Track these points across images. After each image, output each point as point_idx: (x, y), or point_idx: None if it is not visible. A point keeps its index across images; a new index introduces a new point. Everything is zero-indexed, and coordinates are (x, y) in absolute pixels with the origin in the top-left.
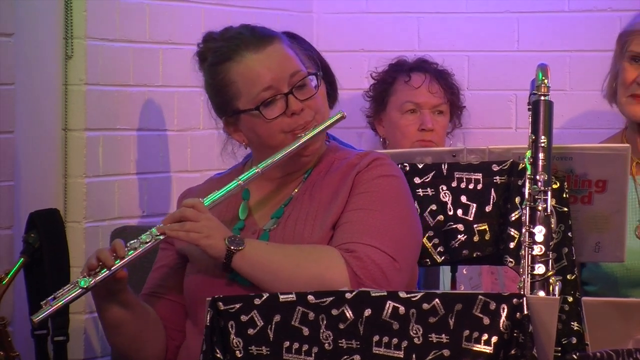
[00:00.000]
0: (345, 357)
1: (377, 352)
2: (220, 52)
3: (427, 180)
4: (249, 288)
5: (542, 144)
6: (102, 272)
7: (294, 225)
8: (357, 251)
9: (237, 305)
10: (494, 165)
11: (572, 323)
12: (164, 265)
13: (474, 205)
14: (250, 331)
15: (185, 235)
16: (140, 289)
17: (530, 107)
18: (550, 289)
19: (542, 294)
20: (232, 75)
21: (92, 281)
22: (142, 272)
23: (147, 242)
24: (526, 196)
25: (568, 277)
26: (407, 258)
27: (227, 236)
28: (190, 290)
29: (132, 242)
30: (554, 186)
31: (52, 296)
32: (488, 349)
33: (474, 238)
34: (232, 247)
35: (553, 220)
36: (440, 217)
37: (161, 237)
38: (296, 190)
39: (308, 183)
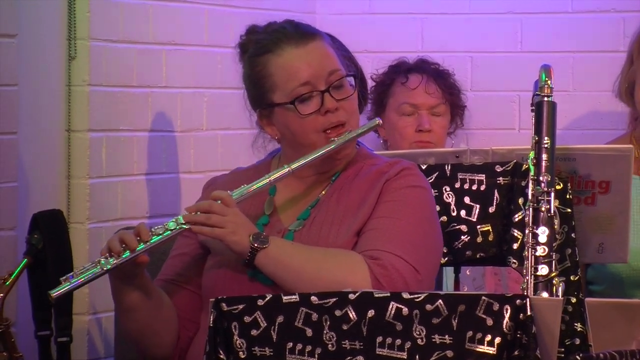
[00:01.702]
0: (349, 358)
1: (380, 353)
2: (261, 44)
3: (430, 181)
4: (270, 287)
5: (546, 145)
6: (125, 254)
7: (319, 229)
8: (382, 259)
9: (241, 306)
10: (497, 166)
11: (576, 324)
12: (184, 253)
13: (477, 206)
14: (254, 332)
15: (210, 232)
16: (154, 274)
17: (534, 108)
18: (554, 290)
19: (545, 295)
20: (271, 68)
21: (114, 262)
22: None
23: (171, 229)
24: (529, 197)
25: (571, 278)
26: (429, 270)
27: (252, 233)
28: (209, 284)
29: (156, 227)
30: (557, 187)
31: (72, 273)
32: (491, 350)
33: (477, 239)
34: (256, 245)
35: (556, 221)
36: (444, 218)
37: (186, 227)
38: (323, 192)
39: (335, 186)
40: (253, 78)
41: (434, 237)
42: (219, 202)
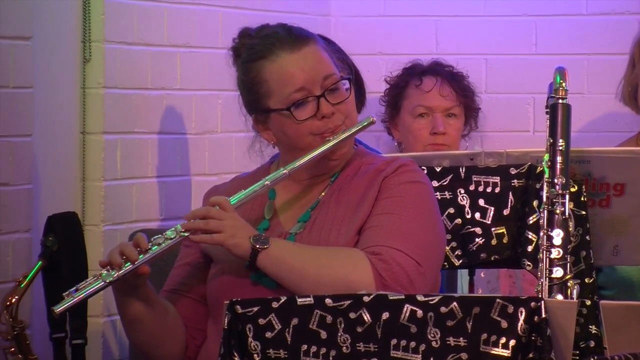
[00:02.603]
0: None
1: (395, 355)
2: (255, 49)
3: (444, 183)
4: (274, 290)
5: (560, 147)
6: (126, 266)
7: (320, 230)
8: (383, 254)
9: (255, 309)
10: (512, 168)
11: (590, 326)
12: (187, 263)
13: (492, 208)
14: (268, 334)
15: (210, 239)
16: (159, 285)
17: (548, 110)
18: (568, 292)
19: (560, 297)
20: (265, 74)
21: (116, 275)
22: (160, 269)
23: (171, 238)
24: (544, 199)
25: (586, 280)
26: (432, 263)
27: (252, 235)
28: (213, 291)
29: (156, 237)
30: (572, 189)
31: (75, 288)
32: (506, 353)
33: (492, 241)
34: (257, 246)
35: (571, 224)
36: (458, 221)
37: (186, 234)
38: (323, 193)
39: (335, 187)
40: (247, 84)
41: (435, 230)
42: (217, 207)
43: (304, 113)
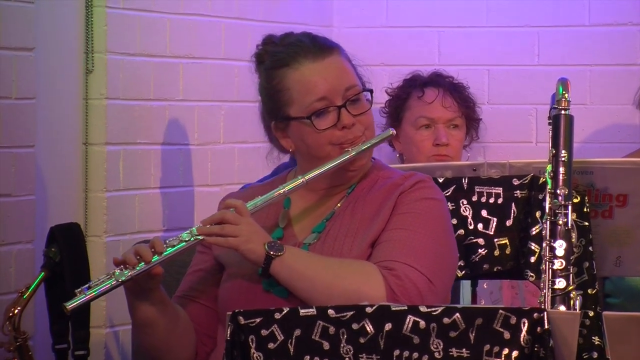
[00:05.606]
0: None
1: None
2: (278, 57)
3: (447, 194)
4: (285, 299)
5: (563, 158)
6: (140, 266)
7: (334, 241)
8: (396, 269)
9: (258, 320)
10: (515, 179)
11: (593, 338)
12: (200, 269)
13: (495, 219)
14: (271, 345)
15: (225, 242)
16: (172, 291)
17: (551, 121)
18: (571, 303)
19: (563, 308)
20: (288, 82)
21: (129, 274)
22: (174, 274)
23: (186, 241)
24: (547, 210)
25: (589, 291)
26: (443, 281)
27: (267, 241)
28: (225, 298)
29: (170, 239)
30: (575, 200)
31: (87, 285)
32: None
33: (495, 252)
34: (271, 252)
35: (574, 235)
36: (461, 231)
37: (200, 238)
38: (339, 204)
39: (351, 198)
40: (269, 91)
41: (448, 248)
42: (233, 210)
43: (324, 122)
